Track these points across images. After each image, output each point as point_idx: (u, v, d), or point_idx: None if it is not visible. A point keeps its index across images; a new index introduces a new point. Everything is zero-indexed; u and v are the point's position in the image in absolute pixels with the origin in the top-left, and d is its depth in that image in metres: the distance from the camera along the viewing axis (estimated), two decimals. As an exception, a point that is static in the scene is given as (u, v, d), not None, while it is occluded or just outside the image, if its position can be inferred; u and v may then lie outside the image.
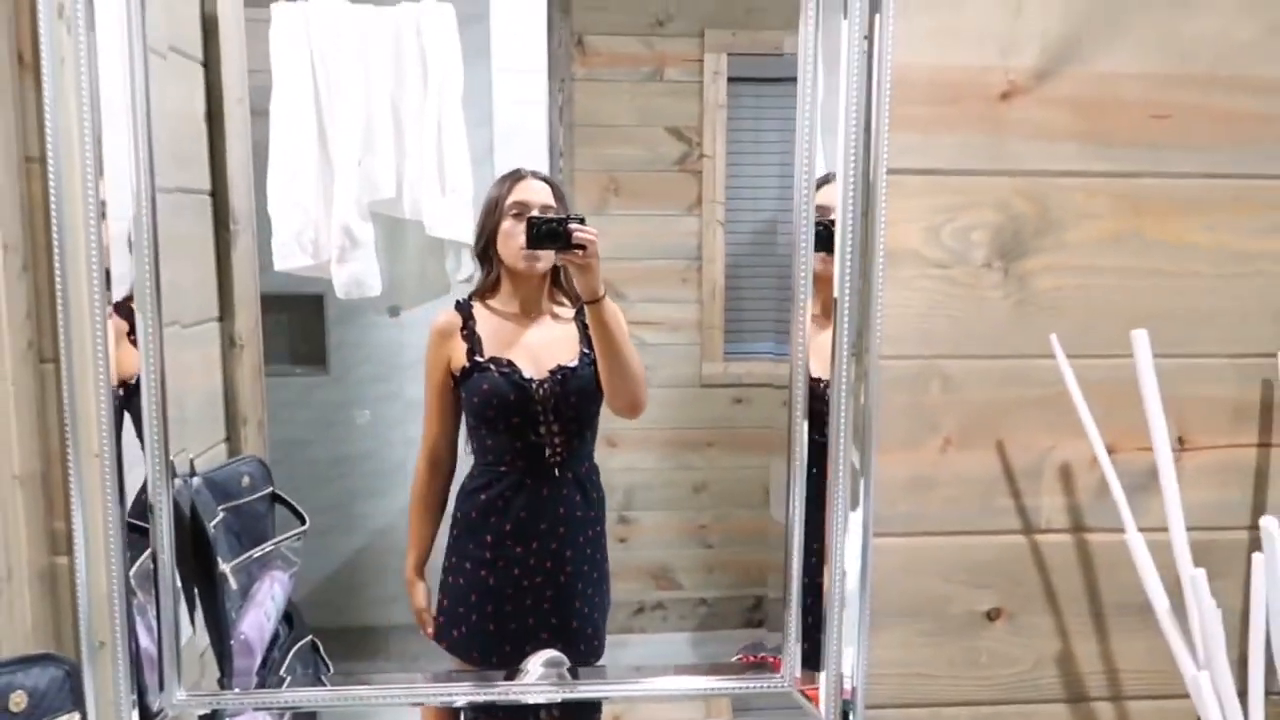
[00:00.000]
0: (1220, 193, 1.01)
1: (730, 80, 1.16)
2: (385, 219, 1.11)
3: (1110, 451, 0.99)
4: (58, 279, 0.90)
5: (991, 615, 1.07)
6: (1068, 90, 0.99)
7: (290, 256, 1.10)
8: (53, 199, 0.89)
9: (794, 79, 0.94)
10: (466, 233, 1.11)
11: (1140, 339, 0.92)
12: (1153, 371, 0.92)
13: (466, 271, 1.13)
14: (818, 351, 0.97)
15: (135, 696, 0.96)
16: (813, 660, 1.02)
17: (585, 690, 1.07)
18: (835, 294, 0.96)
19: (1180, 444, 1.04)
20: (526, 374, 1.10)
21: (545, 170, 1.11)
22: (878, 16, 0.92)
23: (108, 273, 0.91)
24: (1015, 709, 1.09)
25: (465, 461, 1.15)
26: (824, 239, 0.95)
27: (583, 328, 1.11)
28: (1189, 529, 0.96)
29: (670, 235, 1.18)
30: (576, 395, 1.11)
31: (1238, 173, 1.01)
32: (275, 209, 1.08)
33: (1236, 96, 1.00)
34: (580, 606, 1.14)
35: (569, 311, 1.12)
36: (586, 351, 1.11)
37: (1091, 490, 1.05)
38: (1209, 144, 1.00)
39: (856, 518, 0.98)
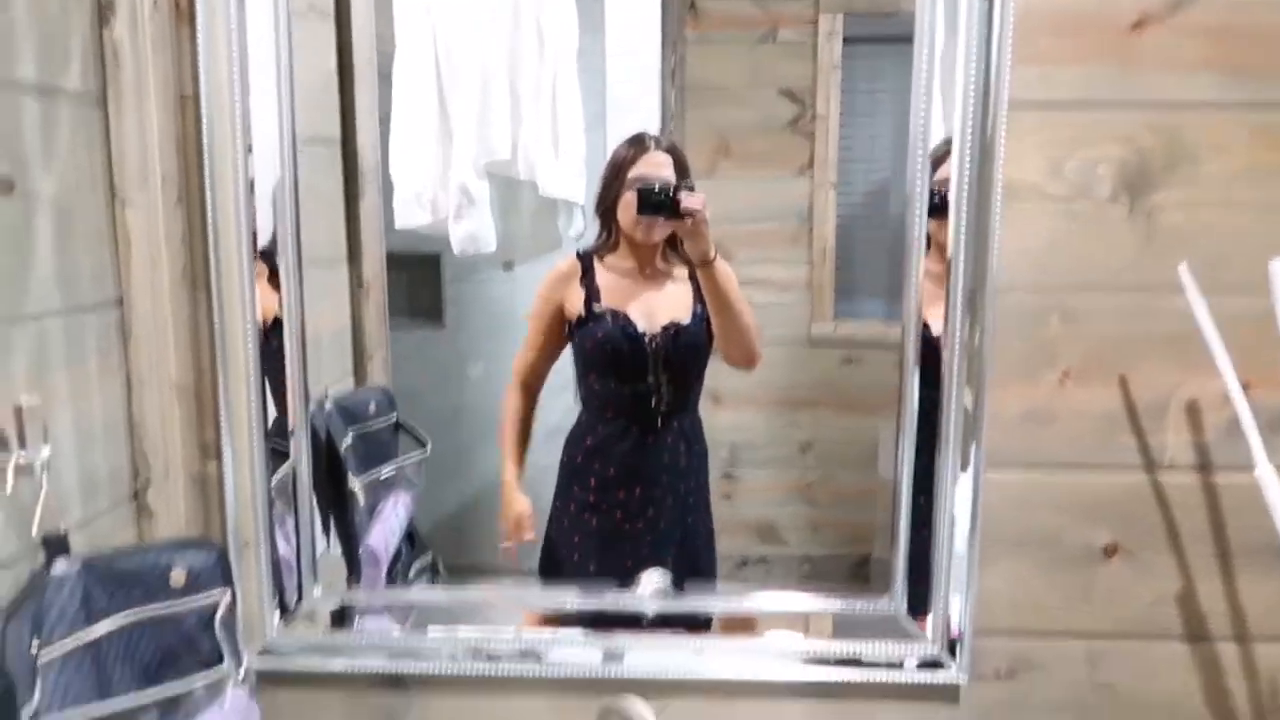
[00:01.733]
0: (1369, 119, 0.96)
1: (845, 40, 1.15)
2: (500, 179, 1.15)
3: (1245, 389, 0.95)
4: (209, 209, 0.97)
5: (1108, 550, 1.05)
6: (1202, 18, 0.94)
7: (410, 215, 1.15)
8: (204, 134, 0.96)
9: (910, 38, 0.93)
10: (579, 193, 1.15)
11: (1278, 268, 0.88)
12: (1291, 301, 0.88)
13: (578, 228, 1.17)
14: (931, 302, 0.97)
15: (277, 596, 1.04)
16: (920, 603, 1.02)
17: (692, 604, 1.10)
18: (951, 227, 0.95)
19: (1322, 382, 1.00)
20: (640, 327, 1.13)
21: (656, 131, 1.13)
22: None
23: (252, 205, 0.98)
24: (1131, 644, 1.06)
25: (572, 412, 1.18)
26: (938, 209, 0.95)
27: (696, 286, 1.13)
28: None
29: (781, 197, 1.18)
30: (686, 350, 1.14)
31: (1388, 99, 0.95)
32: (397, 170, 1.14)
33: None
34: (678, 553, 1.17)
35: (683, 271, 1.14)
36: (699, 310, 1.13)
37: (1220, 428, 1.01)
38: (1358, 67, 0.95)
39: (968, 453, 0.98)
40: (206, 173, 0.97)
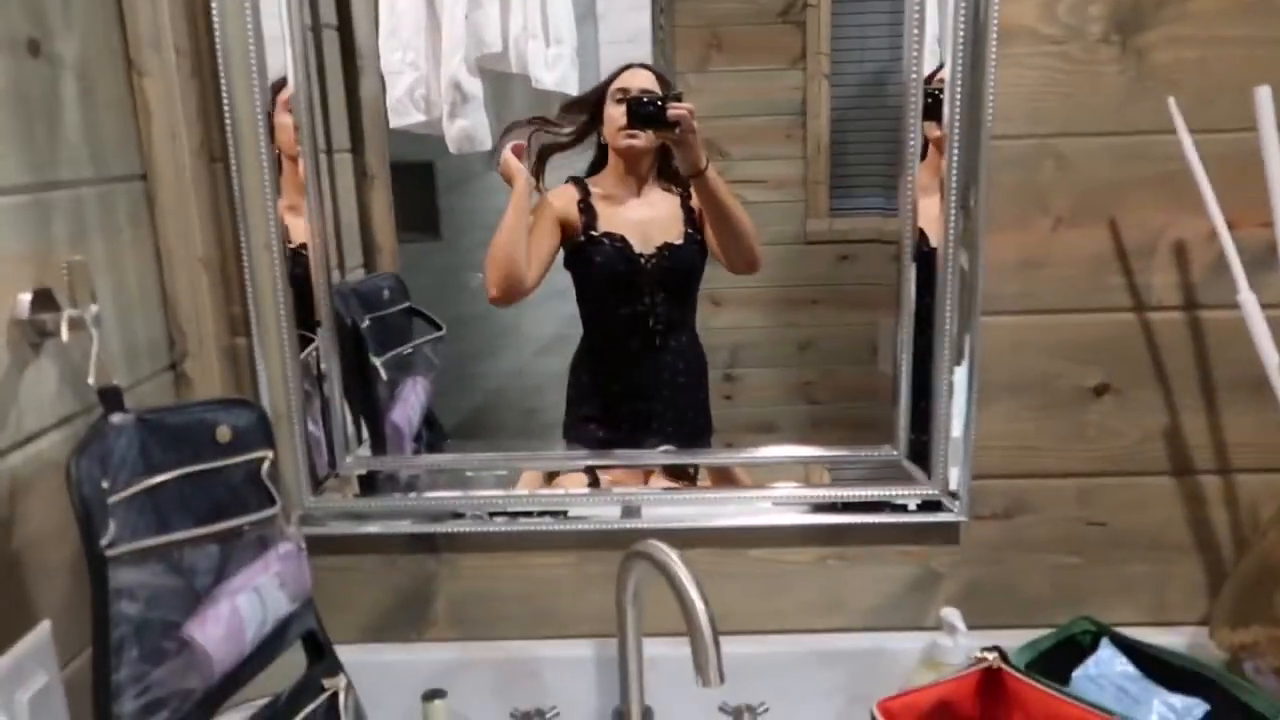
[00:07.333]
0: (1357, -45, 0.98)
1: (834, -77, 1.14)
2: (493, 74, 1.15)
3: (1230, 228, 0.99)
4: (223, 82, 0.99)
5: (1099, 390, 1.10)
6: None
7: (405, 114, 1.15)
8: (214, 6, 0.97)
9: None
10: (572, 84, 1.15)
11: (1263, 97, 0.91)
12: (1275, 131, 0.92)
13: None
14: (927, 192, 1.02)
15: (309, 466, 1.09)
16: (921, 451, 1.09)
17: (703, 458, 1.17)
18: (946, 76, 0.98)
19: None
20: (636, 249, 1.15)
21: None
22: None
23: (266, 77, 0.99)
24: (1120, 481, 1.12)
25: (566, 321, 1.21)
26: (933, 109, 0.99)
27: (687, 210, 1.15)
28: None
29: (774, 91, 1.17)
30: (681, 271, 1.16)
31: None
32: (387, 67, 1.13)
33: None
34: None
35: (674, 194, 1.16)
36: (690, 231, 1.16)
37: (1207, 267, 1.05)
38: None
39: (966, 302, 1.03)
40: (218, 43, 0.98)
